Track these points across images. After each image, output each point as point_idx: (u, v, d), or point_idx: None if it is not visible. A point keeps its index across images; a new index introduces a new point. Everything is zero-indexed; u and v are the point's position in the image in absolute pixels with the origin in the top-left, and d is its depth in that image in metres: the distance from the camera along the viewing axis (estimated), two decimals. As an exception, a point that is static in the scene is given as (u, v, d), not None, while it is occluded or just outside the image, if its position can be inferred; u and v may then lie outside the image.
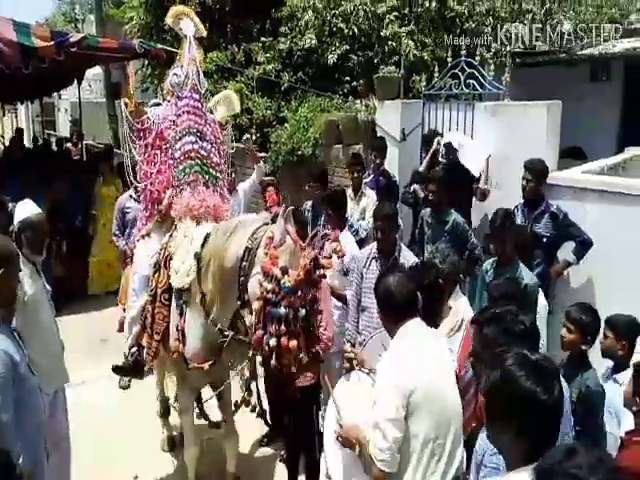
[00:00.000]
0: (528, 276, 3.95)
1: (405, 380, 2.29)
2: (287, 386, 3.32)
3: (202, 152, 3.86)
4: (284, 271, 2.69)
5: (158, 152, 3.98)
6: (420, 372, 2.33)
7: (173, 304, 3.52)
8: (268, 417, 3.94)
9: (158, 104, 4.36)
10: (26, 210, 3.45)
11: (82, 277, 7.75)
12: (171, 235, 3.71)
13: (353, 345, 3.94)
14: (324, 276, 2.87)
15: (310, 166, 6.53)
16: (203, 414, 4.17)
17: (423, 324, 2.52)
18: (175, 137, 3.88)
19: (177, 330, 3.46)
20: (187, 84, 3.99)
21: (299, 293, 2.68)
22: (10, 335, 2.44)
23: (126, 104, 4.12)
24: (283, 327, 2.69)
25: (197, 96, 4.00)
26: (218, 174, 3.94)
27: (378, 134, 6.43)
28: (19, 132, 13.23)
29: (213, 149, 3.95)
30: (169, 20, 4.23)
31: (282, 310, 2.68)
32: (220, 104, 4.49)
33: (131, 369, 3.87)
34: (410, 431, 2.30)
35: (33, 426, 2.45)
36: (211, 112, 4.26)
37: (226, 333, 3.26)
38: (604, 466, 1.33)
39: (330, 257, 2.84)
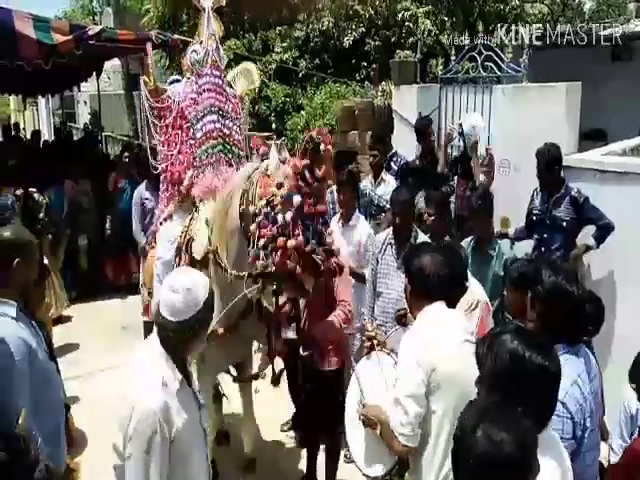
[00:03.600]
0: (507, 250, 3.96)
1: (427, 358, 2.30)
2: (313, 369, 3.35)
3: (225, 130, 3.80)
4: (280, 186, 2.65)
5: (179, 132, 3.92)
6: (442, 352, 2.34)
7: None
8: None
9: (177, 80, 4.28)
10: (199, 290, 2.13)
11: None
12: (192, 217, 3.70)
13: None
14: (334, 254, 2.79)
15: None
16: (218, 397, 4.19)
17: (445, 306, 2.51)
18: (196, 116, 3.82)
19: None
20: (207, 61, 3.90)
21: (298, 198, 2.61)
22: (28, 323, 2.49)
23: (145, 82, 4.05)
24: (279, 229, 2.63)
25: (217, 72, 3.91)
26: (240, 151, 3.90)
27: (395, 119, 6.40)
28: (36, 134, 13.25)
29: (235, 126, 3.90)
30: None
31: (280, 216, 2.62)
32: (239, 77, 4.32)
33: None
34: (430, 409, 2.31)
35: (51, 411, 2.50)
36: (230, 86, 4.15)
37: (243, 274, 3.04)
38: None
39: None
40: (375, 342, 2.80)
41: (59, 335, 5.74)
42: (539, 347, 1.73)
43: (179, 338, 2.10)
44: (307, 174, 2.65)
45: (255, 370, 3.88)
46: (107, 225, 7.19)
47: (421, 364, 2.29)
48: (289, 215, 2.62)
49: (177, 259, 3.65)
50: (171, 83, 4.26)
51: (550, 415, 1.75)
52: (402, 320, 3.38)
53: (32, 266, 2.55)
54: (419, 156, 5.66)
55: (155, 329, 2.15)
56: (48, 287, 5.51)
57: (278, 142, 2.84)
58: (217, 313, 3.17)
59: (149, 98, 4.00)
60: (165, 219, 4.04)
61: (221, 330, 3.26)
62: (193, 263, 3.47)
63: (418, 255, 2.55)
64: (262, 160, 2.99)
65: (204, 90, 3.85)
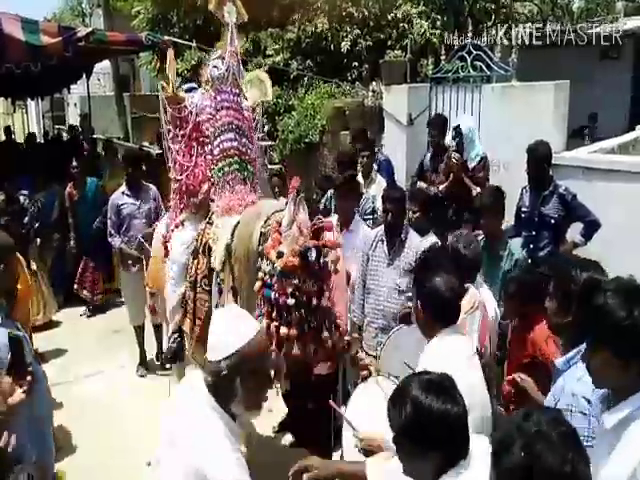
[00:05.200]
0: (517, 250, 3.96)
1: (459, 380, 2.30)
2: (304, 373, 3.33)
3: (241, 148, 3.80)
4: (279, 255, 2.71)
5: (195, 144, 3.89)
6: (460, 373, 2.31)
7: (214, 288, 3.53)
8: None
9: (194, 88, 4.22)
10: (240, 332, 1.93)
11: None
12: (208, 222, 3.69)
13: (360, 327, 3.99)
14: (336, 271, 2.84)
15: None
16: None
17: (455, 327, 2.49)
18: (214, 133, 3.80)
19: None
20: (228, 78, 3.85)
21: (294, 280, 2.67)
22: (13, 328, 2.49)
23: (163, 88, 3.96)
24: (275, 312, 2.73)
25: (237, 91, 3.89)
26: (253, 169, 3.89)
27: (385, 120, 6.43)
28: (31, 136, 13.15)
29: (250, 144, 3.90)
30: (211, 6, 3.94)
31: (273, 294, 2.71)
32: (252, 86, 4.20)
33: (173, 354, 3.95)
34: None
35: (40, 414, 2.52)
36: (245, 97, 4.09)
37: None
38: (560, 420, 1.45)
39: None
40: (372, 369, 2.80)
41: (48, 339, 5.72)
42: (440, 391, 1.69)
43: (233, 377, 1.88)
44: (312, 255, 2.69)
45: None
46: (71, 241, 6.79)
47: None
48: (282, 299, 2.71)
49: (195, 262, 3.67)
50: (187, 91, 4.19)
51: (465, 454, 1.70)
52: (406, 319, 3.37)
53: (14, 270, 2.56)
54: (431, 156, 5.62)
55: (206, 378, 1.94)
56: (37, 292, 5.50)
57: (298, 198, 2.80)
58: None
59: (167, 105, 3.91)
60: (177, 225, 4.02)
61: None
62: (210, 268, 3.52)
63: (430, 278, 2.42)
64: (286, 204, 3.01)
65: (222, 107, 3.81)
